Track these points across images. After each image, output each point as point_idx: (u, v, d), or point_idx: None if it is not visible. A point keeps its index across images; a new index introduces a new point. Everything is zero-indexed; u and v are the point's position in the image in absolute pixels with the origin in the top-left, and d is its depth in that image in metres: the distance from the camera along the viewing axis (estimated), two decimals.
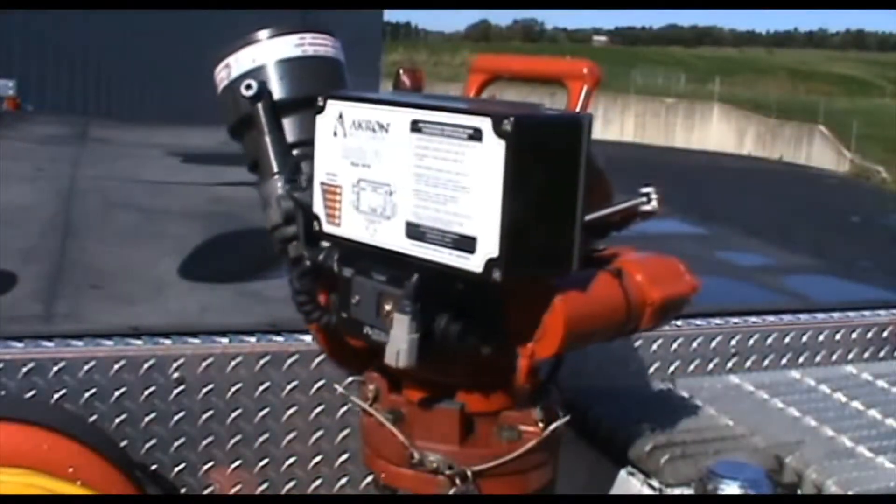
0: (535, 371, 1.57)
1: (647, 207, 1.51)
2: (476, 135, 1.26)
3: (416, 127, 1.33)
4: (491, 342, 1.41)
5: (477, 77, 1.66)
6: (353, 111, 1.41)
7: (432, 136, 1.31)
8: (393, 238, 1.37)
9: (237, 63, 1.56)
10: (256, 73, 1.54)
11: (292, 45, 1.55)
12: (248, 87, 1.51)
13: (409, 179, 1.34)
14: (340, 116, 1.43)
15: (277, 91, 1.54)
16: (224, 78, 1.57)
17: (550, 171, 1.31)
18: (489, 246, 1.26)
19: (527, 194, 1.27)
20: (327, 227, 1.46)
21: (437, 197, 1.31)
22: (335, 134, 1.44)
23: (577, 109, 1.49)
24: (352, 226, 1.43)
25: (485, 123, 1.25)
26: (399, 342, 1.34)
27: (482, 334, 1.40)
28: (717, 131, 38.32)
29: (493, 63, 1.68)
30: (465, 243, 1.28)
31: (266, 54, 1.55)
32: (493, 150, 1.24)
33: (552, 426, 1.52)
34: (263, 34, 1.56)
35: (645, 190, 1.52)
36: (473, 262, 1.28)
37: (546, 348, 1.40)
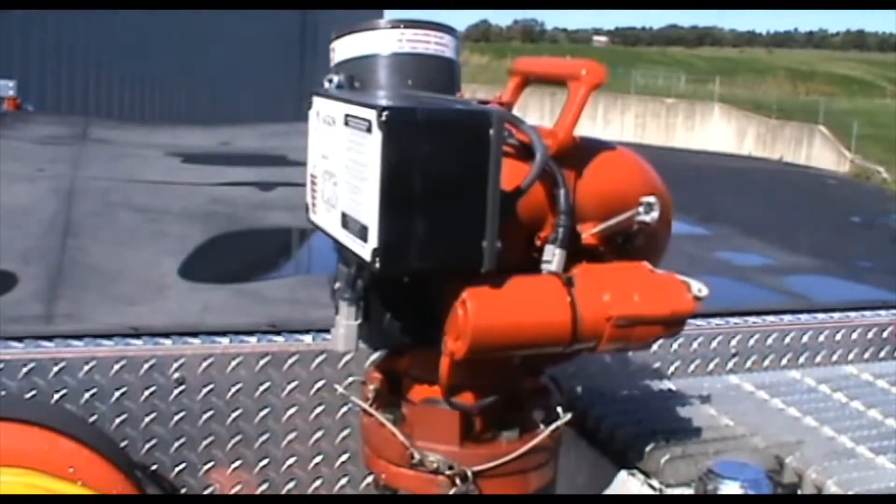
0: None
1: (645, 218, 1.48)
2: (369, 127, 1.28)
3: (346, 121, 1.36)
4: (429, 338, 1.41)
5: (515, 78, 1.70)
6: (323, 107, 1.44)
7: (353, 129, 1.33)
8: (334, 227, 1.40)
9: (339, 49, 1.54)
10: (351, 64, 1.52)
11: (394, 40, 1.51)
12: (330, 80, 1.50)
13: (343, 171, 1.37)
14: (318, 112, 1.46)
15: (367, 85, 1.51)
16: (332, 59, 1.56)
17: (445, 164, 1.29)
18: (374, 236, 1.27)
19: (407, 186, 1.27)
20: (311, 216, 1.50)
21: (353, 188, 1.33)
22: (315, 128, 1.47)
23: (573, 109, 1.49)
24: (321, 215, 1.46)
25: (373, 115, 1.27)
26: (339, 327, 1.39)
27: (421, 329, 1.41)
28: (717, 131, 38.24)
29: (525, 65, 1.72)
30: (363, 232, 1.30)
31: (362, 47, 1.52)
32: (375, 142, 1.26)
33: (552, 426, 1.52)
34: (373, 24, 1.52)
35: (646, 199, 1.50)
36: (366, 251, 1.29)
37: (460, 349, 1.37)
